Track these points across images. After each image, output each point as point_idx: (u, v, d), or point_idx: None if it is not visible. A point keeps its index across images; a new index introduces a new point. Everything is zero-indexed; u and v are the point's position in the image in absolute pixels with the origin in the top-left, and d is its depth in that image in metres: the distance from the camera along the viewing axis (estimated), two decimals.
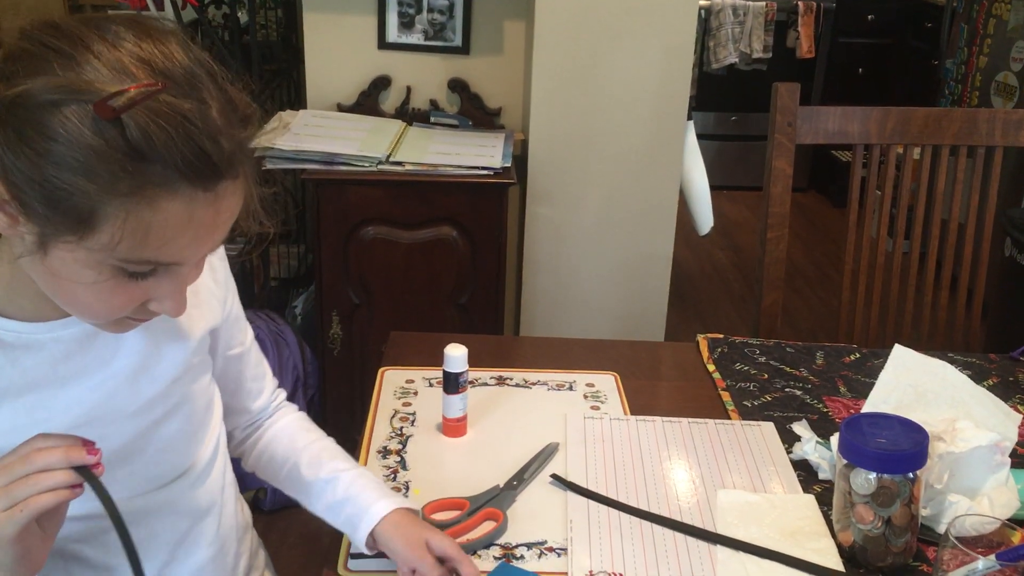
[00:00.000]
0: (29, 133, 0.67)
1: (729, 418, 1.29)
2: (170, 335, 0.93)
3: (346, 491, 1.00)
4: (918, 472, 0.97)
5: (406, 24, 2.47)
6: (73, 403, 0.86)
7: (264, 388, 1.12)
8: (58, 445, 0.72)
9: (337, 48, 2.49)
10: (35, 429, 0.77)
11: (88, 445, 0.73)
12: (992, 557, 0.87)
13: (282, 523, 2.21)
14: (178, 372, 0.93)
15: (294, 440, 1.09)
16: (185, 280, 0.79)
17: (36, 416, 0.84)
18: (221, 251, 1.00)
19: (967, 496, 1.03)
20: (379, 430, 1.22)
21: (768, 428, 1.26)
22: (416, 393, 1.31)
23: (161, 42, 0.72)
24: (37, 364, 0.84)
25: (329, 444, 1.09)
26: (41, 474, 0.71)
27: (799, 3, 4.48)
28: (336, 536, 1.02)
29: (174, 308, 0.79)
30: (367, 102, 2.50)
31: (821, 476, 1.15)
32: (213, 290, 0.98)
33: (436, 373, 1.29)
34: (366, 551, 0.97)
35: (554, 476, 1.13)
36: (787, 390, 1.36)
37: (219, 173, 0.72)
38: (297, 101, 2.82)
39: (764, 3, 4.37)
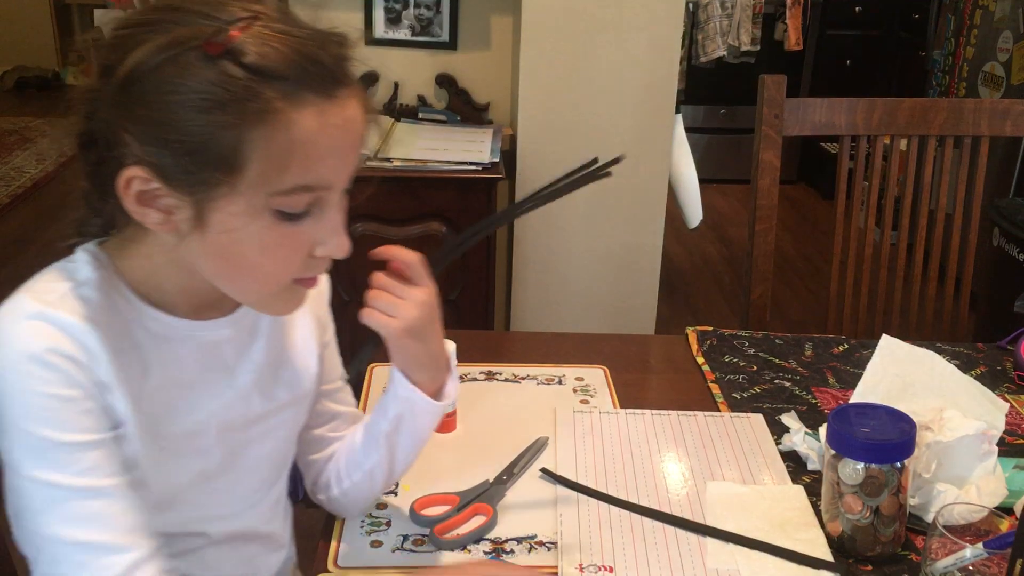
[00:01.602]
0: (152, 98, 0.71)
1: (718, 410, 1.29)
2: (287, 359, 0.93)
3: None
4: (906, 462, 0.97)
5: (393, 20, 2.47)
6: (196, 407, 0.86)
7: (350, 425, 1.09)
8: None
9: None
10: (168, 429, 0.82)
11: None
12: (980, 545, 0.87)
13: None
14: (288, 397, 0.94)
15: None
16: (341, 214, 0.79)
17: (170, 417, 0.84)
18: (326, 288, 1.01)
19: (955, 485, 1.03)
20: None
21: (757, 420, 1.26)
22: None
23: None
24: (175, 360, 0.84)
25: None
26: None
27: None
28: (327, 536, 1.02)
29: (339, 245, 0.79)
30: None
31: (810, 467, 1.15)
32: (318, 321, 0.99)
33: None
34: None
35: (544, 470, 1.13)
36: (776, 382, 1.37)
37: (335, 77, 0.74)
38: None
39: None
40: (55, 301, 0.76)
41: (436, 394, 0.94)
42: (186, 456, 0.86)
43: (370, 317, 0.88)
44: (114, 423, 0.79)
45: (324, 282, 1.00)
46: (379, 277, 0.89)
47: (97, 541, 0.74)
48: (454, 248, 0.98)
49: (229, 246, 0.76)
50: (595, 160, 0.96)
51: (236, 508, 0.94)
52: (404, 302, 0.88)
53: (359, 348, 0.93)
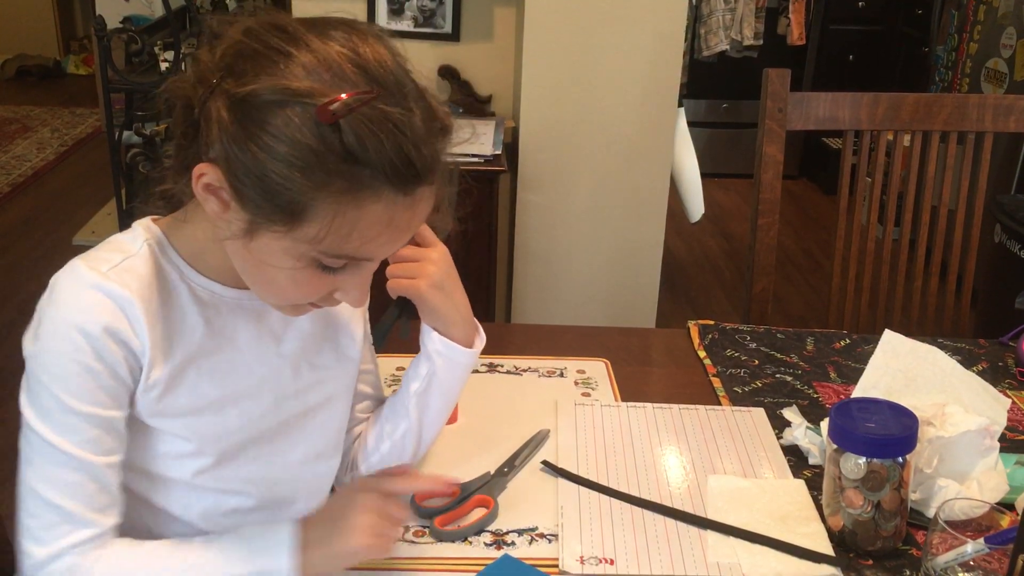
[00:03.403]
0: (253, 129, 0.73)
1: (720, 404, 1.29)
2: (333, 328, 0.98)
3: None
4: (908, 456, 0.97)
5: (396, 11, 2.46)
6: (245, 372, 0.90)
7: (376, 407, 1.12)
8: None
9: None
10: (216, 392, 0.87)
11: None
12: (981, 541, 0.87)
13: None
14: (336, 365, 0.97)
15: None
16: (371, 274, 0.84)
17: (217, 380, 0.88)
18: None
19: (956, 480, 1.03)
20: None
21: (758, 414, 1.26)
22: None
23: (372, 44, 0.78)
24: (223, 327, 0.88)
25: None
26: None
27: None
28: None
29: (357, 299, 0.85)
30: None
31: (811, 461, 1.16)
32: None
33: None
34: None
35: (545, 462, 1.14)
36: (777, 376, 1.37)
37: (419, 179, 0.77)
38: None
39: None
40: (107, 271, 0.81)
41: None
42: (240, 418, 0.90)
43: (396, 284, 0.96)
44: (132, 400, 0.84)
45: None
46: None
47: (68, 509, 0.80)
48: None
49: (262, 265, 0.80)
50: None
51: (287, 474, 0.96)
52: (421, 263, 0.96)
53: (380, 318, 0.98)
